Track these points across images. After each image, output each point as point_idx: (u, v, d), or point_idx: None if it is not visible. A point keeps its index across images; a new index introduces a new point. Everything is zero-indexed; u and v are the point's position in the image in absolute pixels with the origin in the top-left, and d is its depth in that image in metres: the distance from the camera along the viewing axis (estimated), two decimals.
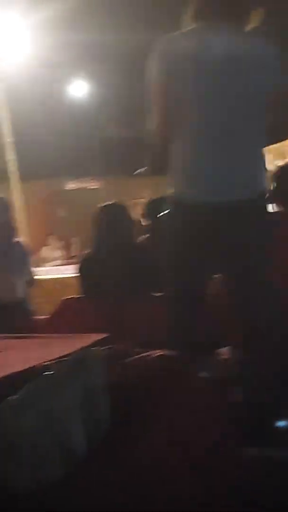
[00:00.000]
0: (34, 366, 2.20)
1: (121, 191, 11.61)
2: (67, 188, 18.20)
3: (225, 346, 3.89)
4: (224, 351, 3.91)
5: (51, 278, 7.97)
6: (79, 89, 17.39)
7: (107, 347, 2.35)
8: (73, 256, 13.36)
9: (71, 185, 18.11)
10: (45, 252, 14.55)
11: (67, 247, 15.03)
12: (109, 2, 13.02)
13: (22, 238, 12.17)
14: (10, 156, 13.16)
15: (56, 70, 14.22)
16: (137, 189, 12.93)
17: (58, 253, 14.52)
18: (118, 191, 11.89)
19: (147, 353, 2.30)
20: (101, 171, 17.18)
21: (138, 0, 13.34)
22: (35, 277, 5.99)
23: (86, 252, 4.16)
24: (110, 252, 3.80)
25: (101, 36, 12.65)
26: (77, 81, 17.21)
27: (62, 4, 11.62)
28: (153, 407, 2.09)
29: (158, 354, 2.28)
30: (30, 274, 5.22)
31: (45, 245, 15.20)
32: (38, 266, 11.73)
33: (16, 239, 5.23)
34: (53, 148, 15.93)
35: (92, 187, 17.15)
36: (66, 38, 12.49)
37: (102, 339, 2.67)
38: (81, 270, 4.11)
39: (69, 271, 7.42)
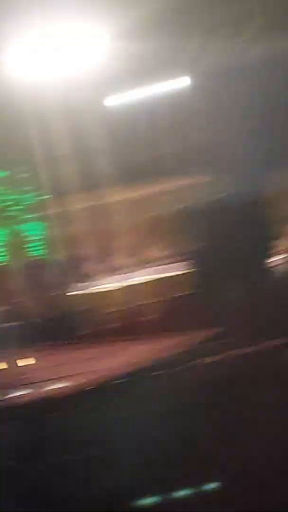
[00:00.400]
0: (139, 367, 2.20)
1: None
2: (160, 190, 18.33)
3: None
4: None
5: (159, 278, 8.01)
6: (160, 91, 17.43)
7: (223, 340, 2.34)
8: (179, 254, 13.38)
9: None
10: (149, 252, 14.61)
11: (171, 246, 15.03)
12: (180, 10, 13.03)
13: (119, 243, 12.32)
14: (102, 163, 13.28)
15: (139, 75, 14.30)
16: None
17: (163, 252, 14.56)
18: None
19: (257, 346, 2.28)
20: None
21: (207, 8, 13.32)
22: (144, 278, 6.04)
23: (198, 248, 4.13)
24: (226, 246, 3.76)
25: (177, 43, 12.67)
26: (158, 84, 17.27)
27: (139, 13, 11.68)
28: (281, 397, 2.07)
29: (266, 346, 2.25)
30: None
31: (148, 246, 15.29)
32: (143, 267, 11.83)
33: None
34: (150, 149, 16.04)
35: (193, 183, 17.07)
36: (140, 47, 12.55)
37: (213, 333, 2.66)
38: (191, 266, 4.09)
39: (176, 270, 7.44)
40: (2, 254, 16.69)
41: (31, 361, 2.83)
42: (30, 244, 14.67)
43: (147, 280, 7.81)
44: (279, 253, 4.05)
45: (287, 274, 3.80)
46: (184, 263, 4.11)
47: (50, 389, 2.18)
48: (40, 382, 2.38)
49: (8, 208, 17.46)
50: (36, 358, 2.89)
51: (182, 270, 4.13)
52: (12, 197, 17.79)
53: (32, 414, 1.95)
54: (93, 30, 12.44)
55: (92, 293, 6.44)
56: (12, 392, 2.11)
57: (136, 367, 2.24)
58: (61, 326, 4.49)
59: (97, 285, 6.16)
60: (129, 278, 8.71)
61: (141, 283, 7.34)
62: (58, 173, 16.60)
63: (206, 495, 1.73)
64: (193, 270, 3.97)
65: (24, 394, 2.16)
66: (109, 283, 8.52)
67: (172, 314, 3.88)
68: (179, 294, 4.17)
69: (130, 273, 10.86)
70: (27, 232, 15.53)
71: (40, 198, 17.87)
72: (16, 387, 2.27)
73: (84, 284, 5.00)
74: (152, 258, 14.29)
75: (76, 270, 5.04)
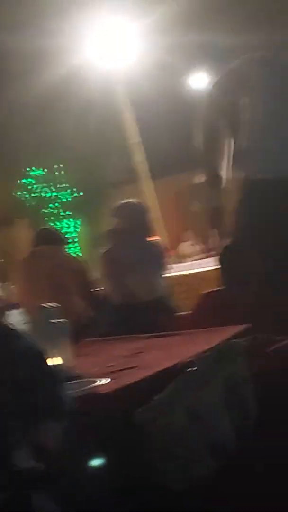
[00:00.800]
0: (178, 363, 2.22)
1: None
2: (198, 181, 18.21)
3: None
4: None
5: (191, 273, 7.98)
6: (200, 82, 17.37)
7: (250, 337, 2.34)
8: (212, 249, 13.34)
9: (202, 178, 18.05)
10: (183, 247, 14.58)
11: (205, 240, 15.01)
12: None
13: (157, 237, 12.30)
14: (139, 156, 13.31)
15: (174, 66, 14.29)
16: None
17: (197, 247, 14.52)
18: None
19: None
20: None
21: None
22: (176, 273, 6.00)
23: (227, 243, 4.12)
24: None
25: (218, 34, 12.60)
26: (198, 74, 17.20)
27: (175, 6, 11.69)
28: None
29: None
30: (166, 272, 5.26)
31: (182, 240, 15.25)
32: (177, 262, 11.82)
33: (152, 239, 5.28)
34: (180, 143, 16.00)
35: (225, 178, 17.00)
36: (182, 38, 12.53)
37: (244, 330, 2.66)
38: (222, 261, 4.09)
39: (209, 265, 7.41)
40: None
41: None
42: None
43: (183, 274, 7.82)
44: None
45: None
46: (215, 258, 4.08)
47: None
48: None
49: (48, 205, 17.59)
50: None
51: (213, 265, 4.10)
52: (50, 194, 17.92)
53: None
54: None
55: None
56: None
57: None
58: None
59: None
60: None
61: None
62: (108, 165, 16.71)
63: None
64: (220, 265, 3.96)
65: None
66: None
67: (202, 310, 3.87)
68: (211, 290, 4.15)
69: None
70: (62, 229, 15.67)
71: (75, 195, 18.00)
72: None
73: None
74: (188, 253, 14.29)
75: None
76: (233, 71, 3.58)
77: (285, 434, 1.96)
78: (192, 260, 12.06)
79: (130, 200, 5.22)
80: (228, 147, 3.47)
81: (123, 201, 5.15)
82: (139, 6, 12.04)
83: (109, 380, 2.13)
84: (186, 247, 14.58)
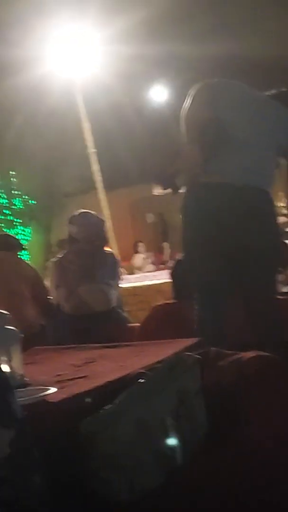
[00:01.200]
0: (128, 374, 2.21)
1: None
2: (154, 193, 18.23)
3: None
4: None
5: (145, 285, 8.00)
6: (160, 93, 17.45)
7: (200, 351, 2.34)
8: (165, 262, 13.41)
9: (158, 191, 18.10)
10: (136, 259, 14.62)
11: (158, 253, 15.08)
12: (179, 14, 13.07)
13: (112, 247, 12.28)
14: (95, 167, 13.31)
15: (133, 79, 14.33)
16: None
17: (149, 259, 14.56)
18: None
19: (241, 355, 2.28)
20: None
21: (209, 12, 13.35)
22: (130, 284, 6.00)
23: (180, 256, 4.15)
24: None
25: (175, 46, 12.70)
26: (156, 88, 17.28)
27: (136, 16, 11.74)
28: (250, 409, 2.07)
29: (251, 356, 2.26)
30: (119, 283, 5.26)
31: (135, 252, 15.28)
32: (130, 273, 11.85)
33: (107, 249, 5.28)
34: (136, 154, 16.04)
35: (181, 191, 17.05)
36: (141, 49, 12.59)
37: (195, 343, 2.67)
38: (172, 274, 4.12)
39: (161, 277, 7.44)
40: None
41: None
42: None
43: (135, 286, 7.82)
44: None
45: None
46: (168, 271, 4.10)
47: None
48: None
49: (2, 211, 17.46)
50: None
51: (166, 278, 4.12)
52: (2, 201, 17.79)
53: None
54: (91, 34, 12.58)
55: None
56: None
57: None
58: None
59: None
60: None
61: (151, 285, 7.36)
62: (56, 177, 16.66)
63: None
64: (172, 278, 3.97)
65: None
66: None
67: (153, 322, 3.88)
68: (162, 302, 4.17)
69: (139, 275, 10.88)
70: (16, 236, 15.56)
71: (30, 203, 17.91)
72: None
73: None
74: (140, 264, 14.30)
75: None
76: (209, 86, 3.63)
77: (233, 447, 1.96)
78: (146, 272, 12.09)
79: (86, 210, 5.22)
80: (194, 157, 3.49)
81: (78, 211, 5.16)
82: (100, 17, 12.06)
83: (56, 389, 2.11)
84: (140, 258, 14.59)
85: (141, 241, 15.21)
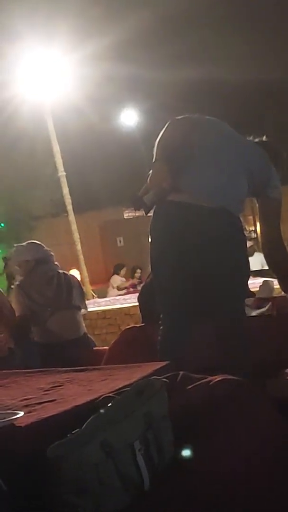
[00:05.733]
0: (96, 398, 2.21)
1: None
2: (125, 217, 18.27)
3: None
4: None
5: (113, 309, 7.99)
6: (129, 116, 17.53)
7: (168, 375, 2.35)
8: (135, 285, 13.40)
9: (128, 214, 18.12)
10: (107, 282, 14.58)
11: (128, 276, 15.07)
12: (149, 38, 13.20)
13: (81, 270, 12.23)
14: (65, 189, 13.31)
15: (103, 102, 14.41)
16: None
17: (119, 282, 14.52)
18: None
19: (208, 379, 2.29)
20: None
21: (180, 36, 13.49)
22: (100, 308, 5.99)
23: (147, 280, 4.16)
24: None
25: (146, 70, 12.82)
26: (126, 111, 17.37)
27: (106, 39, 11.83)
28: (218, 432, 2.08)
29: (219, 379, 2.26)
30: (86, 307, 5.25)
31: (105, 275, 15.25)
32: (100, 297, 11.82)
33: (67, 273, 5.27)
34: (106, 177, 16.09)
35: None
36: (111, 72, 12.67)
37: (162, 367, 2.67)
38: (139, 298, 4.13)
39: (131, 301, 7.43)
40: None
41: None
42: None
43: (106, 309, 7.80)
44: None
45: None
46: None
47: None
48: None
49: None
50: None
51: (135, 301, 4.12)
52: None
53: None
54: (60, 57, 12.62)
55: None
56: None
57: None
58: None
59: None
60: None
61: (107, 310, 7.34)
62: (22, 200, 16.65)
63: None
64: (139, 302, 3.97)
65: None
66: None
67: (122, 345, 3.87)
68: (131, 326, 4.17)
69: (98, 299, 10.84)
70: None
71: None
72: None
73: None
74: (111, 288, 14.28)
75: None
76: (185, 117, 3.68)
77: (201, 470, 1.96)
78: (117, 295, 12.07)
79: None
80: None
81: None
82: (70, 40, 12.13)
83: (24, 413, 2.10)
84: (118, 280, 14.54)
85: (124, 265, 15.14)
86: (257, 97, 16.60)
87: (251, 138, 3.93)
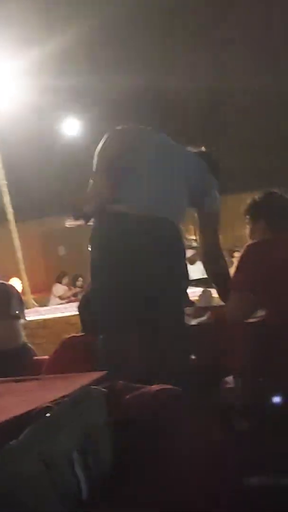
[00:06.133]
0: (33, 408, 2.19)
1: None
2: (67, 225, 18.17)
3: (229, 375, 3.89)
4: (229, 380, 3.91)
5: (53, 318, 7.93)
6: (70, 126, 17.50)
7: (106, 384, 2.35)
8: (77, 294, 13.37)
9: (70, 223, 18.00)
10: (58, 288, 14.53)
11: (70, 285, 15.03)
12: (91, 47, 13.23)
13: (22, 279, 12.14)
14: (5, 198, 13.19)
15: (44, 111, 14.36)
16: None
17: (61, 291, 14.48)
18: None
19: (146, 388, 2.30)
20: None
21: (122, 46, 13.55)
22: (40, 317, 5.93)
23: (87, 289, 4.15)
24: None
25: (89, 79, 12.83)
26: (68, 120, 17.33)
27: (47, 49, 11.80)
28: (156, 441, 2.08)
29: (157, 389, 2.27)
30: (24, 317, 5.21)
31: (47, 284, 15.19)
32: (42, 305, 11.74)
33: (6, 282, 5.23)
34: (47, 186, 16.02)
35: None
36: (52, 81, 12.64)
37: (102, 376, 2.66)
38: (79, 307, 4.12)
39: (72, 310, 7.40)
40: None
41: None
42: None
43: (46, 318, 7.75)
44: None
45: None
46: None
47: None
48: None
49: None
50: None
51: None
52: None
53: None
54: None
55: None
56: None
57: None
58: None
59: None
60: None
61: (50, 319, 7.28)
62: None
63: None
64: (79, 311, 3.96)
65: None
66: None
67: (62, 355, 3.86)
68: (71, 335, 4.15)
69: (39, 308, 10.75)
70: None
71: None
72: None
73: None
74: (52, 296, 14.21)
75: None
76: (123, 128, 3.70)
77: (140, 481, 1.97)
78: (56, 304, 12.02)
79: None
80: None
81: None
82: (10, 49, 12.06)
83: None
84: (61, 289, 14.50)
85: (66, 274, 15.09)
86: (198, 107, 16.74)
87: (189, 148, 3.97)
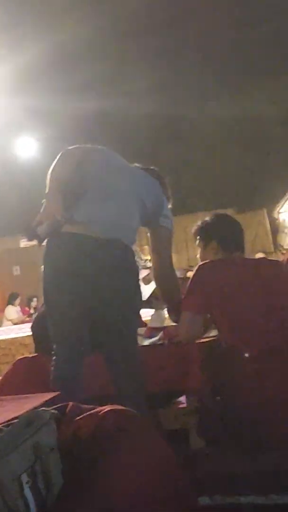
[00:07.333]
0: None
1: None
2: (21, 245, 18.09)
3: (181, 395, 3.90)
4: (181, 400, 3.93)
5: (7, 338, 7.87)
6: (27, 148, 17.45)
7: (57, 406, 2.34)
8: (31, 314, 13.28)
9: (25, 243, 17.97)
10: (10, 310, 14.39)
11: (24, 305, 14.93)
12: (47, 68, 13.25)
13: None
14: None
15: (0, 131, 14.32)
16: None
17: (13, 314, 14.34)
18: None
19: (98, 409, 2.29)
20: None
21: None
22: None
23: (40, 309, 4.15)
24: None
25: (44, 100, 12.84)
26: (25, 140, 17.28)
27: (2, 70, 11.79)
28: (107, 463, 2.08)
29: (108, 410, 2.27)
30: None
31: (1, 304, 15.06)
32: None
33: None
34: (4, 206, 15.94)
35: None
36: (7, 102, 12.62)
37: (53, 397, 2.65)
38: (32, 328, 4.10)
39: (27, 330, 7.35)
40: None
41: None
42: None
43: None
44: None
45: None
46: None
47: None
48: None
49: None
50: None
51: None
52: None
53: None
54: None
55: None
56: None
57: None
58: None
59: None
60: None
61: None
62: None
63: None
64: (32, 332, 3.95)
65: None
66: None
67: (14, 376, 3.83)
68: (24, 356, 4.13)
69: None
70: None
71: None
72: None
73: None
74: (6, 317, 14.09)
75: None
76: (75, 147, 3.70)
77: (91, 503, 1.96)
78: (11, 325, 11.93)
79: None
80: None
81: None
82: None
83: None
84: (13, 310, 14.38)
85: (18, 295, 14.97)
86: (153, 130, 16.87)
87: (142, 167, 3.99)
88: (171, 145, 17.23)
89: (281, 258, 10.23)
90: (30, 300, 14.63)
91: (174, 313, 3.98)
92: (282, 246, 16.56)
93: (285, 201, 17.02)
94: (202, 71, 15.10)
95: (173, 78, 15.15)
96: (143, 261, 6.41)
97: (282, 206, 17.18)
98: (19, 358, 4.13)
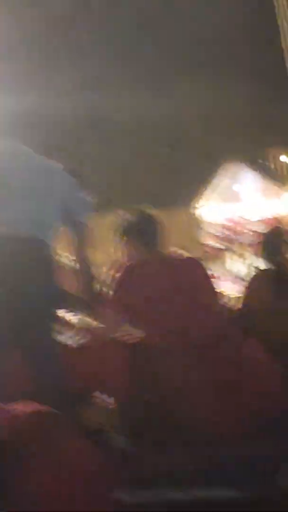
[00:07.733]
0: None
1: None
2: None
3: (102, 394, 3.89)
4: (102, 398, 3.92)
5: None
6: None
7: None
8: None
9: None
10: None
11: None
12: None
13: None
14: None
15: None
16: None
17: None
18: None
19: (13, 407, 2.26)
20: None
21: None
22: None
23: None
24: None
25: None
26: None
27: None
28: (22, 461, 2.06)
29: (27, 409, 2.24)
30: None
31: None
32: None
33: None
34: None
35: None
36: None
37: None
38: None
39: None
40: None
41: None
42: None
43: None
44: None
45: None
46: None
47: None
48: None
49: None
50: None
51: None
52: None
53: None
54: None
55: None
56: None
57: None
58: None
59: None
60: None
61: None
62: None
63: None
64: None
65: None
66: None
67: None
68: None
69: None
70: None
71: None
72: None
73: None
74: None
75: None
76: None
77: (10, 504, 1.94)
78: None
79: None
80: None
81: None
82: None
83: None
84: None
85: None
86: (77, 128, 16.83)
87: (61, 164, 3.97)
88: (96, 140, 17.24)
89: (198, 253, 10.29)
90: None
91: (96, 312, 3.97)
92: (199, 242, 16.67)
93: (201, 196, 17.12)
94: (123, 72, 15.17)
95: (95, 78, 15.17)
96: (68, 260, 6.38)
97: (198, 201, 17.27)
98: None
